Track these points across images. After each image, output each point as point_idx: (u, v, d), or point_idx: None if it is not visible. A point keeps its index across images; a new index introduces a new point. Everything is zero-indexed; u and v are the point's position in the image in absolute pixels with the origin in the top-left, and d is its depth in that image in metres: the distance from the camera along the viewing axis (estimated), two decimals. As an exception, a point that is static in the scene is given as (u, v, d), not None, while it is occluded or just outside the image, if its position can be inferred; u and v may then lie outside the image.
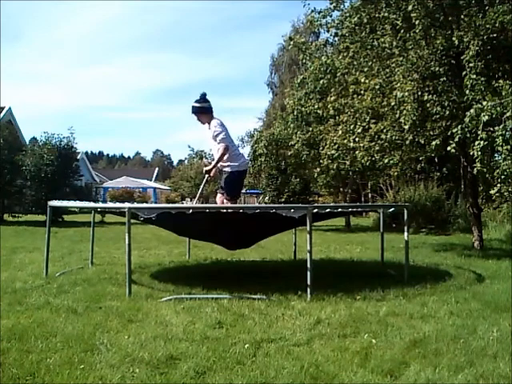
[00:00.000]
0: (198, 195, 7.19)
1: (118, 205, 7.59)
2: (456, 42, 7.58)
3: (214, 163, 5.94)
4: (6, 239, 10.12)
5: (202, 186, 6.89)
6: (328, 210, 6.12)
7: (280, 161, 16.38)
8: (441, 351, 3.23)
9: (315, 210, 5.49)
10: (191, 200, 42.51)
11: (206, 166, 6.22)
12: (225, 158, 5.85)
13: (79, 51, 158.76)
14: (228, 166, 5.95)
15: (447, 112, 7.68)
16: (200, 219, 5.47)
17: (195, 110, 6.04)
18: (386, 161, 8.79)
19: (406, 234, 6.00)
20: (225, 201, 6.04)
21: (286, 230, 7.94)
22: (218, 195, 6.24)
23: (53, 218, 6.97)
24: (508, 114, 6.50)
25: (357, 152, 8.85)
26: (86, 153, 45.58)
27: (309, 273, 4.73)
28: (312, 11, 9.36)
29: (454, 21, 8.06)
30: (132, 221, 4.98)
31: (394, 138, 8.38)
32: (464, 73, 7.47)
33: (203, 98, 6.02)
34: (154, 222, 6.00)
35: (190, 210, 5.47)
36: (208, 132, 5.98)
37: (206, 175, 6.21)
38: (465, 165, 9.04)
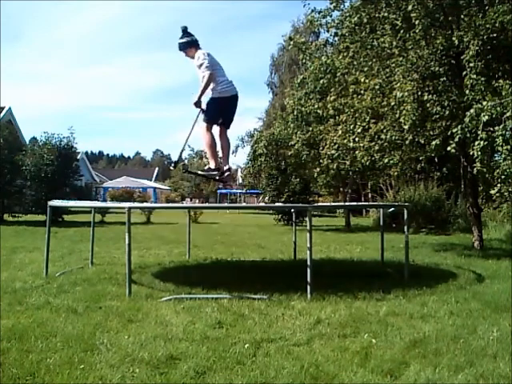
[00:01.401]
0: (184, 142, 6.52)
1: (117, 204, 7.61)
2: (456, 42, 7.58)
3: (199, 93, 5.64)
4: (6, 239, 10.12)
5: (193, 123, 6.03)
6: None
7: (280, 161, 16.37)
8: (441, 351, 3.23)
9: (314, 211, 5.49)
10: (191, 200, 42.55)
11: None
12: (210, 85, 5.63)
13: (79, 51, 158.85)
14: (210, 91, 5.72)
15: (447, 112, 7.68)
16: None
17: (182, 47, 5.90)
18: (386, 161, 8.79)
19: (406, 233, 6.00)
20: (203, 124, 5.82)
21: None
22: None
23: (53, 218, 6.97)
24: (508, 114, 6.50)
25: (357, 152, 8.85)
26: (86, 153, 45.54)
27: (309, 272, 4.73)
28: (312, 11, 9.37)
29: (454, 21, 8.07)
30: (132, 221, 4.97)
31: (393, 137, 8.38)
32: (464, 73, 7.47)
33: (186, 32, 5.89)
34: None
35: (190, 210, 5.47)
36: (194, 61, 5.77)
37: (197, 108, 5.84)
38: (465, 165, 9.03)
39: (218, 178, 6.16)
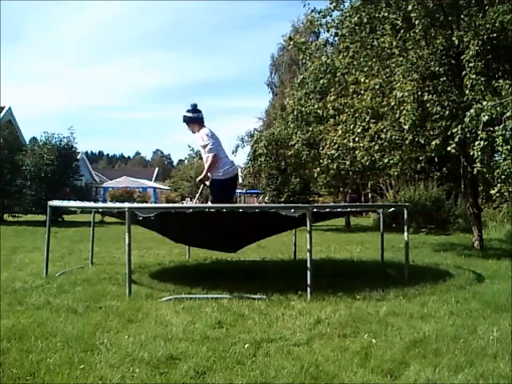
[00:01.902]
0: (195, 200, 7.41)
1: (117, 205, 7.57)
2: (456, 42, 7.58)
3: (204, 172, 6.24)
4: (6, 239, 10.12)
5: (197, 195, 7.25)
6: (328, 210, 6.12)
7: (280, 161, 16.38)
8: (441, 351, 3.23)
9: (315, 210, 5.51)
10: (191, 200, 42.54)
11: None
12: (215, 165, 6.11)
13: (79, 51, 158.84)
14: (212, 174, 6.21)
15: (447, 112, 7.68)
16: (198, 219, 5.50)
17: (186, 120, 6.30)
18: (386, 161, 8.79)
19: (405, 233, 6.00)
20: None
21: (286, 231, 7.94)
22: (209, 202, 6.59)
23: (53, 218, 6.97)
24: (508, 114, 6.50)
25: (357, 152, 8.85)
26: (86, 153, 45.56)
27: (309, 272, 4.73)
28: (312, 11, 9.37)
29: (454, 21, 8.06)
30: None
31: (393, 137, 8.38)
32: (464, 73, 7.47)
33: (194, 109, 6.26)
34: (151, 223, 6.01)
35: (190, 210, 5.48)
36: (199, 140, 6.21)
37: (201, 185, 6.50)
38: (465, 165, 9.03)
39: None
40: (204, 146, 6.10)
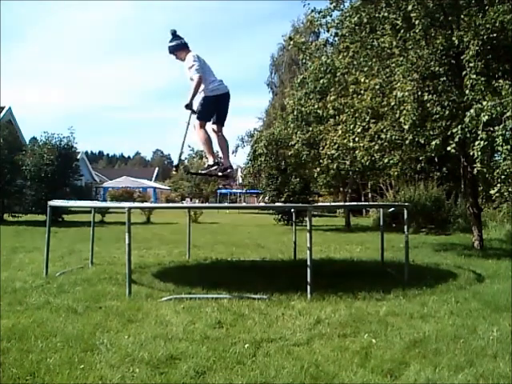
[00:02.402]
0: (181, 145, 6.45)
1: (117, 204, 7.60)
2: (456, 42, 7.58)
3: (190, 94, 5.68)
4: (6, 239, 10.12)
5: (186, 128, 6.01)
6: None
7: (280, 161, 16.38)
8: (441, 351, 3.23)
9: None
10: (191, 200, 42.52)
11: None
12: (201, 87, 5.71)
13: (79, 51, 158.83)
14: (201, 91, 5.80)
15: (447, 112, 7.68)
16: None
17: (171, 50, 5.97)
18: (386, 160, 8.79)
19: (405, 233, 6.00)
20: (196, 122, 5.88)
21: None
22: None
23: (53, 218, 6.97)
24: (508, 114, 6.50)
25: (357, 152, 8.85)
26: (86, 153, 45.52)
27: (309, 272, 4.73)
28: (312, 11, 9.37)
29: (454, 21, 8.06)
30: (132, 221, 4.97)
31: (393, 137, 8.38)
32: (464, 73, 7.47)
33: (175, 36, 5.96)
34: None
35: (190, 210, 5.49)
36: (185, 63, 5.85)
37: (188, 110, 5.84)
38: (465, 165, 9.04)
39: (220, 173, 6.14)
40: (189, 68, 5.70)
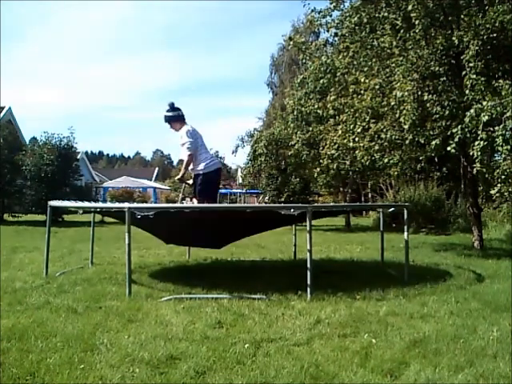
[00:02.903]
0: (179, 199, 7.50)
1: (117, 205, 7.54)
2: (456, 42, 7.58)
3: (181, 172, 6.35)
4: (6, 239, 10.12)
5: (180, 194, 7.34)
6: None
7: (280, 161, 16.38)
8: (441, 351, 3.23)
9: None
10: (191, 200, 42.52)
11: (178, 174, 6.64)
12: (191, 165, 6.19)
13: (79, 51, 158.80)
14: (194, 170, 6.27)
15: (447, 112, 7.67)
16: (187, 218, 5.53)
17: (167, 120, 6.32)
18: (386, 160, 8.78)
19: (405, 233, 6.00)
20: (195, 201, 6.39)
21: (285, 226, 7.99)
22: (194, 199, 6.57)
23: (53, 218, 6.97)
24: (508, 114, 6.50)
25: (357, 152, 8.85)
26: (86, 153, 45.54)
27: (309, 272, 4.73)
28: (312, 11, 9.37)
29: (454, 21, 8.06)
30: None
31: (393, 137, 8.38)
32: (464, 73, 7.47)
33: (172, 108, 6.30)
34: (146, 223, 5.97)
35: (189, 210, 5.49)
36: (179, 138, 6.23)
37: (182, 183, 6.73)
38: (465, 165, 9.04)
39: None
40: (182, 145, 6.12)
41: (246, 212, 5.58)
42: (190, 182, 6.65)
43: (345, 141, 8.99)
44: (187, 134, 6.09)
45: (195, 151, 6.12)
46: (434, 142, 7.76)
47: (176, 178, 6.52)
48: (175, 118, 6.27)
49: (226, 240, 7.10)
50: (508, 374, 2.84)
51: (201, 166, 6.15)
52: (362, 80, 8.73)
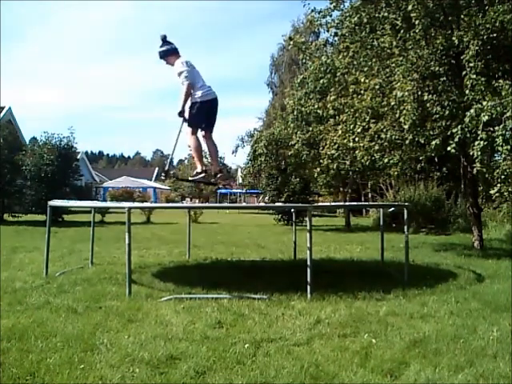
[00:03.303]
0: (172, 152, 6.60)
1: (117, 204, 7.58)
2: (456, 42, 7.57)
3: (181, 102, 5.76)
4: (6, 239, 10.12)
5: (177, 134, 6.15)
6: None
7: (280, 161, 16.38)
8: (441, 351, 3.23)
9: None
10: (191, 200, 42.50)
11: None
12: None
13: (79, 51, 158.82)
14: (192, 97, 5.82)
15: (447, 112, 7.67)
16: None
17: (162, 55, 5.97)
18: (386, 160, 8.79)
19: (406, 233, 6.00)
20: (188, 129, 5.94)
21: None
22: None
23: (53, 218, 6.97)
24: (508, 114, 6.50)
25: (357, 152, 8.85)
26: (86, 153, 45.52)
27: (309, 272, 4.72)
28: (312, 11, 9.37)
29: (454, 21, 8.06)
30: (132, 221, 4.97)
31: (393, 137, 8.38)
32: (464, 73, 7.47)
33: (165, 41, 5.95)
34: None
35: (190, 210, 5.49)
36: (175, 68, 5.86)
37: (181, 118, 5.92)
38: (465, 165, 9.03)
39: (213, 180, 6.29)
40: (179, 75, 5.73)
41: None
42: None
43: (345, 141, 8.99)
44: (183, 64, 5.75)
45: (193, 80, 5.74)
46: (433, 142, 7.76)
47: (177, 112, 5.78)
48: (170, 51, 5.89)
49: None
50: (508, 373, 2.84)
51: (198, 94, 5.74)
52: (362, 80, 8.73)
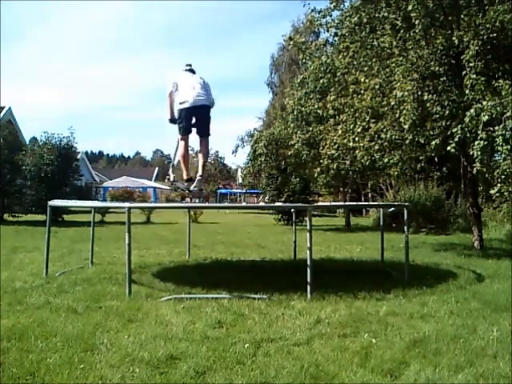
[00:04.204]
0: (173, 158, 6.87)
1: (117, 204, 7.58)
2: (456, 42, 7.58)
3: (167, 110, 6.10)
4: (6, 239, 10.12)
5: (177, 140, 6.40)
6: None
7: (280, 160, 16.38)
8: (441, 351, 3.23)
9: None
10: (191, 200, 42.48)
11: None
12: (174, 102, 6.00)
13: (79, 51, 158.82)
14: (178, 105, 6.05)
15: (447, 112, 7.68)
16: None
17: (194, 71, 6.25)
18: (386, 160, 8.79)
19: (406, 233, 6.00)
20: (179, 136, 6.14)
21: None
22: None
23: (53, 218, 6.96)
24: (508, 114, 6.50)
25: (357, 152, 8.85)
26: (86, 153, 45.50)
27: (309, 272, 4.72)
28: (312, 11, 9.38)
29: (454, 20, 8.06)
30: (132, 221, 4.97)
31: (393, 137, 8.38)
32: (464, 73, 7.47)
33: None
34: None
35: (190, 210, 5.49)
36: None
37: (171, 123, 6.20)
38: (465, 165, 9.03)
39: (186, 191, 6.45)
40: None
41: None
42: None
43: (345, 141, 8.99)
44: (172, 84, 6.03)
45: (177, 88, 6.02)
46: (433, 142, 7.76)
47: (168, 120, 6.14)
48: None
49: None
50: (508, 373, 2.84)
51: (183, 101, 5.94)
52: (362, 80, 8.73)
